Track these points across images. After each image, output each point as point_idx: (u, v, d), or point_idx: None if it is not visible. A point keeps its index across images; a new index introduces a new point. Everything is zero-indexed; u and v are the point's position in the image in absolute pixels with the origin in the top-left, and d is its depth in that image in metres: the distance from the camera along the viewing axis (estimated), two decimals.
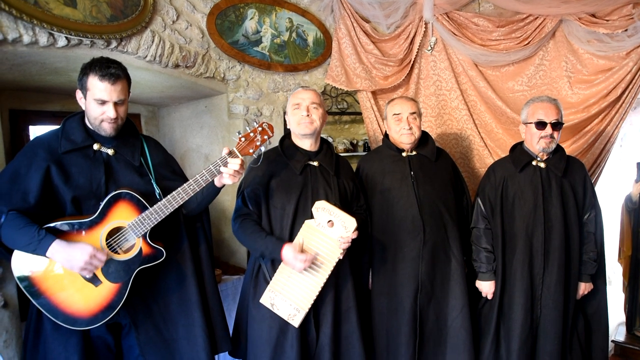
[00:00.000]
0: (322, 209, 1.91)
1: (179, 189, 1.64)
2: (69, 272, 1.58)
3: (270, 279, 1.95)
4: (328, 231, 1.90)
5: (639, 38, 2.87)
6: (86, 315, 1.60)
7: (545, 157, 2.27)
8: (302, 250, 1.88)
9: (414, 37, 3.29)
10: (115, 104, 1.63)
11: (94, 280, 1.60)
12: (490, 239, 2.29)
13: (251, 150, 1.71)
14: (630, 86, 2.95)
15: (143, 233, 1.63)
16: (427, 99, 3.41)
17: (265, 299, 1.93)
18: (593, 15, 2.99)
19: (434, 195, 2.27)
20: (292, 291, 1.91)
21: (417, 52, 3.31)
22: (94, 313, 1.60)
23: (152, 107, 3.36)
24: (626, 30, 2.91)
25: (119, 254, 1.64)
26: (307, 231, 1.92)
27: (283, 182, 1.98)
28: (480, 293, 2.34)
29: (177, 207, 1.65)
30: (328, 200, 1.95)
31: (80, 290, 1.59)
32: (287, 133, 2.16)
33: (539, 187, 2.21)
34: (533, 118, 2.23)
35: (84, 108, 1.69)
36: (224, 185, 1.78)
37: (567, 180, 2.26)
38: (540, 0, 3.05)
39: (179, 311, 1.81)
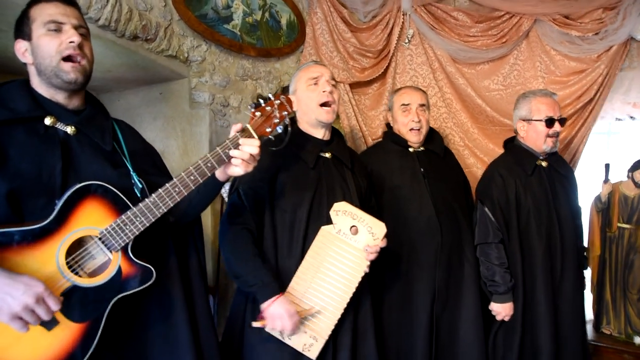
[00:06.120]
0: (344, 212, 1.57)
1: (174, 180, 1.20)
2: None
3: None
4: (351, 239, 1.56)
5: (610, 42, 2.94)
6: None
7: (545, 155, 2.14)
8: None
9: (392, 28, 3.08)
10: (76, 31, 1.20)
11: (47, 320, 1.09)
12: (503, 254, 2.03)
13: (268, 130, 1.31)
14: (601, 88, 3.00)
15: (123, 245, 1.16)
16: None
17: None
18: (567, 17, 3.01)
19: (448, 194, 2.05)
20: (307, 315, 1.53)
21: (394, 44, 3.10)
22: None
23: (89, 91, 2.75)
24: (597, 33, 2.97)
25: (81, 277, 1.14)
26: (325, 240, 1.57)
27: (293, 178, 1.60)
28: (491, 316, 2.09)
29: (172, 206, 1.20)
30: (347, 201, 1.61)
31: (23, 339, 1.06)
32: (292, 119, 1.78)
33: (547, 189, 2.07)
34: (539, 115, 2.08)
35: (29, 62, 1.21)
36: (227, 180, 1.36)
37: (566, 177, 2.16)
38: None
39: (163, 357, 1.32)
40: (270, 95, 1.35)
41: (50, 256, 1.09)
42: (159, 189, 1.19)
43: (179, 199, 1.21)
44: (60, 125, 1.22)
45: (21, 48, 1.21)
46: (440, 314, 1.98)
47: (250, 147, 1.25)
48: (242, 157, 1.25)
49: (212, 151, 1.24)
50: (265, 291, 1.49)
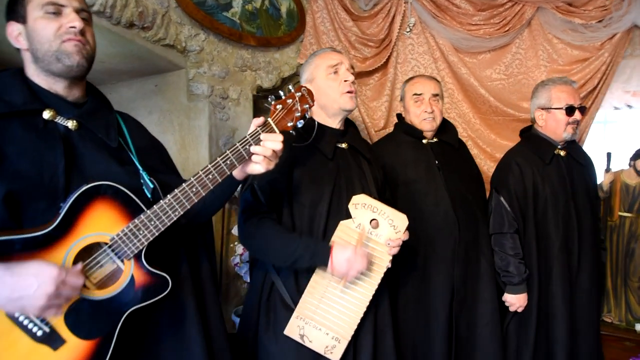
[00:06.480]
0: (363, 205, 1.49)
1: (191, 179, 1.10)
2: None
3: (294, 302, 1.47)
4: (372, 234, 1.49)
5: (614, 29, 2.90)
6: None
7: (564, 144, 2.09)
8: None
9: (393, 16, 2.99)
10: (78, 15, 1.08)
11: (51, 339, 0.97)
12: (518, 244, 1.99)
13: (290, 124, 1.22)
14: (604, 77, 2.97)
15: (136, 252, 1.05)
16: None
17: (292, 330, 1.45)
18: (570, 5, 2.96)
19: (463, 187, 1.98)
20: (328, 315, 1.46)
21: (396, 33, 3.01)
22: None
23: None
24: (601, 21, 2.93)
25: (88, 288, 1.04)
26: (344, 236, 1.48)
27: (311, 171, 1.51)
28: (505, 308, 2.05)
29: (189, 207, 1.10)
30: (366, 193, 1.53)
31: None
32: None
33: (565, 178, 2.02)
34: (559, 103, 2.02)
35: (24, 47, 1.09)
36: (245, 179, 1.26)
37: (585, 167, 2.11)
38: None
39: None
40: (290, 87, 1.25)
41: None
42: (175, 190, 1.08)
43: (196, 200, 1.11)
44: (60, 120, 1.10)
45: (14, 31, 1.09)
46: (459, 311, 1.92)
47: (273, 142, 1.15)
48: (265, 154, 1.15)
49: (232, 147, 1.14)
50: (320, 252, 1.39)
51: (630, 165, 3.17)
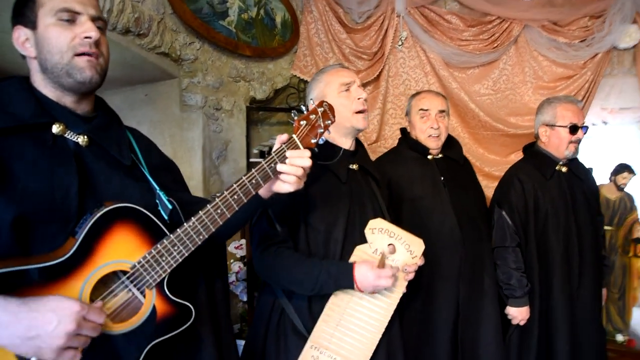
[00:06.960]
0: (379, 230, 1.44)
1: (216, 200, 1.02)
2: None
3: (306, 329, 1.40)
4: (389, 258, 1.43)
5: (596, 49, 3.01)
6: None
7: (565, 161, 2.13)
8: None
9: (386, 30, 2.99)
10: (94, 24, 0.98)
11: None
12: (520, 258, 2.00)
13: (313, 140, 1.16)
14: (587, 94, 3.08)
15: (159, 280, 0.96)
16: (397, 99, 3.14)
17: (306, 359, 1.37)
18: (555, 24, 3.06)
19: (468, 203, 1.96)
20: (343, 344, 1.39)
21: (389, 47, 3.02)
22: None
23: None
24: (583, 40, 3.04)
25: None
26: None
27: (325, 194, 1.44)
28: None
29: (214, 230, 1.02)
30: (379, 217, 1.49)
31: None
32: None
33: (567, 193, 2.05)
34: (563, 121, 2.06)
35: (31, 55, 0.98)
36: (270, 198, 1.18)
37: (585, 183, 2.16)
38: (507, 3, 3.02)
39: None
40: (312, 102, 1.20)
41: (73, 297, 0.87)
42: (199, 212, 1.00)
43: (221, 223, 1.02)
44: (70, 135, 0.99)
45: (21, 37, 0.98)
46: (464, 329, 1.90)
47: (302, 159, 1.09)
48: (296, 174, 1.08)
49: (258, 166, 1.07)
50: (343, 276, 1.34)
51: (610, 180, 3.28)
